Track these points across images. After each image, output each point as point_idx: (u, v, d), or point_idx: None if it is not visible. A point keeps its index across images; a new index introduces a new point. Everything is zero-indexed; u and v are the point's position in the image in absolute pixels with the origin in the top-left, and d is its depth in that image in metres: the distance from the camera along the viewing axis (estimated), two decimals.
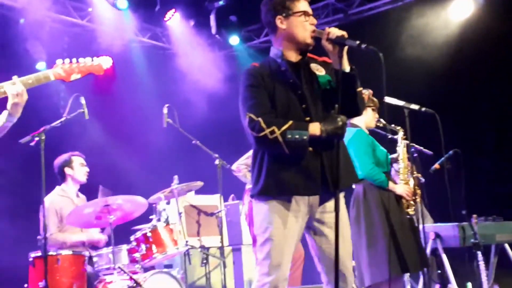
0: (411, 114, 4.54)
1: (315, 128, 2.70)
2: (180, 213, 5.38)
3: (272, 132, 2.69)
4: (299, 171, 2.74)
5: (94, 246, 5.09)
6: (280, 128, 2.68)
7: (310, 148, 2.73)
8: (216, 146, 5.72)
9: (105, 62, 3.07)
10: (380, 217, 4.36)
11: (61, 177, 5.11)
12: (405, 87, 5.77)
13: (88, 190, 5.27)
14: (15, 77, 2.75)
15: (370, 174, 4.40)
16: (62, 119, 4.35)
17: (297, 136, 2.67)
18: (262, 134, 2.70)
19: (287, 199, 2.79)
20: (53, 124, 4.32)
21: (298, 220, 2.81)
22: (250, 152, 5.55)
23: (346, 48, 2.72)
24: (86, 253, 4.55)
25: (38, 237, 4.73)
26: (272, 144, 2.70)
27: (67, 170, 5.09)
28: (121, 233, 5.13)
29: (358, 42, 2.66)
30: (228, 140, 6.85)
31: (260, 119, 2.71)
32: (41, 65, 7.13)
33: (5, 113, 2.78)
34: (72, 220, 4.61)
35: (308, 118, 2.77)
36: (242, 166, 5.62)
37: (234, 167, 5.65)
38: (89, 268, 4.57)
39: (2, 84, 2.74)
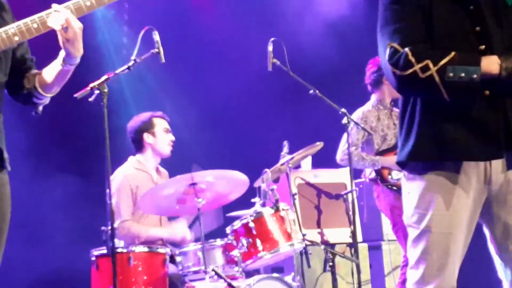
0: None
1: (490, 63, 2.65)
2: (293, 195, 5.45)
3: (425, 69, 2.65)
4: (469, 126, 2.71)
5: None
6: (437, 63, 2.64)
7: (487, 92, 2.68)
8: (342, 97, 5.68)
9: None
10: None
11: (138, 146, 5.30)
12: None
13: (164, 163, 5.45)
14: (54, 5, 2.78)
15: None
16: (130, 64, 4.43)
17: (462, 75, 2.63)
18: (409, 71, 2.67)
19: (452, 169, 2.75)
20: (118, 70, 4.41)
21: (469, 200, 2.77)
22: (345, 138, 5.49)
23: None
24: (167, 251, 4.71)
25: (103, 228, 4.96)
26: (425, 86, 2.68)
27: (146, 137, 5.25)
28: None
29: None
30: (359, 88, 6.76)
31: (407, 50, 2.68)
32: None
33: (61, 53, 2.84)
34: (146, 204, 4.80)
35: (483, 47, 2.72)
36: (352, 148, 5.51)
37: (339, 157, 5.61)
38: (171, 270, 4.72)
39: (42, 14, 2.76)
